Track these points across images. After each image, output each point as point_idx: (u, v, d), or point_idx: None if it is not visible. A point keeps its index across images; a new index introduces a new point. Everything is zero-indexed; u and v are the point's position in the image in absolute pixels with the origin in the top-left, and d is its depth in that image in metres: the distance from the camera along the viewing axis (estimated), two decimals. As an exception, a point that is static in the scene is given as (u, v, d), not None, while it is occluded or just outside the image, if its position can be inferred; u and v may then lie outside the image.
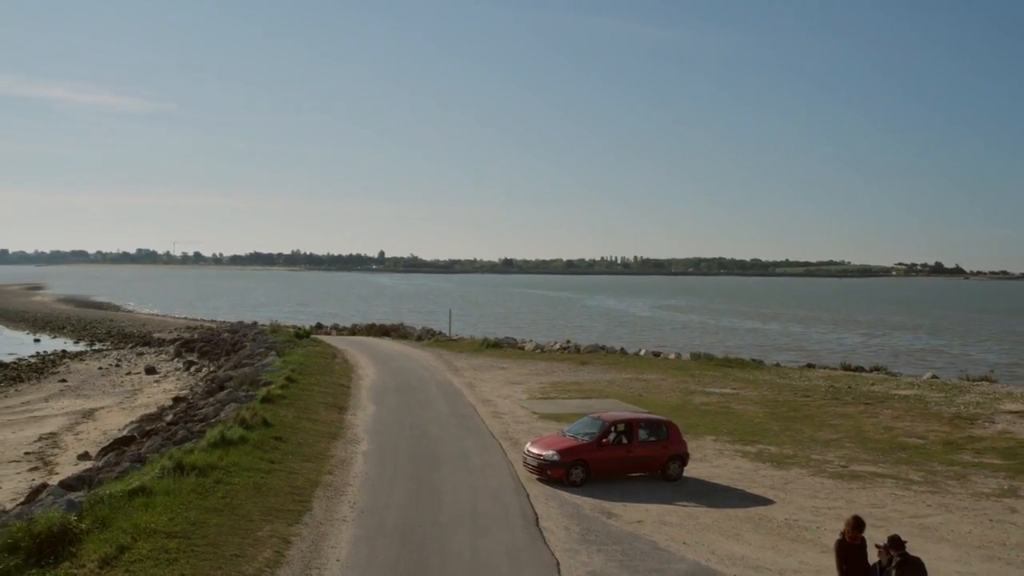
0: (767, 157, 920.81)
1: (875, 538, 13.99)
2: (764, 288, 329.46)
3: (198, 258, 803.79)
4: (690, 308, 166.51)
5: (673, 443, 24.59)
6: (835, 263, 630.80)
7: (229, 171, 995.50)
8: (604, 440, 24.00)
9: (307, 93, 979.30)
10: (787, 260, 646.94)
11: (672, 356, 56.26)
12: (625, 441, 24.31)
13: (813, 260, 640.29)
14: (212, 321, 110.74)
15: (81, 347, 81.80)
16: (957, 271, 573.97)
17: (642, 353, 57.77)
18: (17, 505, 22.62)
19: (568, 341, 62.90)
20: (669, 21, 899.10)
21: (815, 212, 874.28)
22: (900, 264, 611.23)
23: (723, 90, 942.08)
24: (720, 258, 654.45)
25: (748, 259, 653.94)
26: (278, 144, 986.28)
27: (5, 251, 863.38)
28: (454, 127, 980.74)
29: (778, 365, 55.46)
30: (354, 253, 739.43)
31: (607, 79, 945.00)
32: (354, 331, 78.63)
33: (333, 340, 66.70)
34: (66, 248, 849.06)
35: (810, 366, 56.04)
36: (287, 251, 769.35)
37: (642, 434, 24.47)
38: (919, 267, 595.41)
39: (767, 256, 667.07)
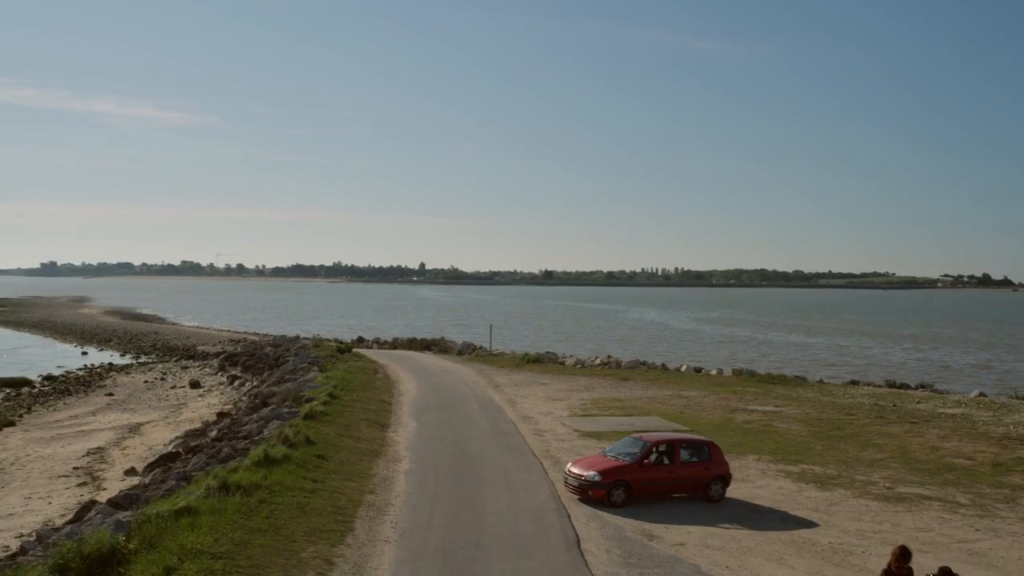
0: (809, 168, 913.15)
1: (923, 565, 13.83)
2: (806, 300, 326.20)
3: (241, 270, 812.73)
4: (731, 321, 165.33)
5: (715, 464, 24.43)
6: (879, 275, 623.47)
7: (271, 183, 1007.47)
8: (646, 460, 23.90)
9: (349, 108, 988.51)
10: (830, 271, 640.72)
11: (713, 372, 55.90)
12: (667, 462, 24.19)
13: (856, 272, 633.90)
14: (255, 334, 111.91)
15: (127, 360, 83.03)
16: (1005, 283, 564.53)
17: (683, 369, 57.45)
18: (66, 523, 23.03)
19: (609, 356, 62.75)
20: (711, 33, 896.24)
21: (858, 223, 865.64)
22: (946, 275, 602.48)
23: (765, 102, 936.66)
24: (762, 270, 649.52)
25: (790, 271, 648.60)
26: (320, 157, 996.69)
27: (53, 263, 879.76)
28: (495, 140, 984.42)
29: (821, 382, 54.91)
30: (395, 265, 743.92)
31: (646, 92, 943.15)
32: (395, 345, 79.02)
33: (374, 354, 67.10)
34: (112, 260, 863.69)
35: (854, 383, 55.44)
36: (328, 263, 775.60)
37: (684, 454, 24.34)
38: (966, 279, 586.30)
39: (809, 268, 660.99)
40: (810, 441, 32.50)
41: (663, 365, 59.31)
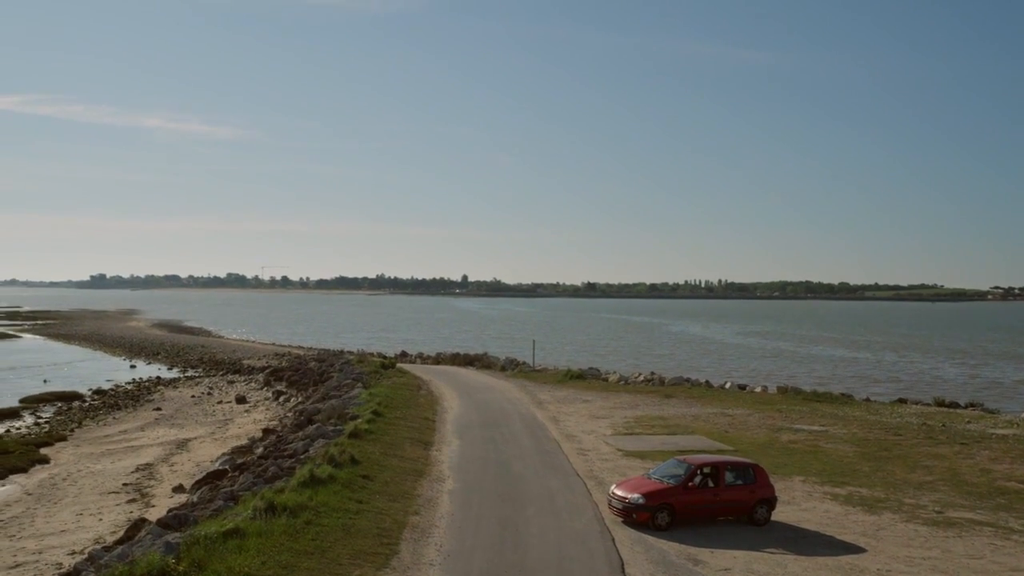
0: (854, 177, 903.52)
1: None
2: (852, 313, 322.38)
3: (285, 282, 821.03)
4: (776, 335, 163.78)
5: (760, 487, 24.23)
6: (927, 286, 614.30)
7: (316, 197, 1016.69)
8: (690, 483, 23.76)
9: (392, 121, 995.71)
10: (876, 283, 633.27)
11: (758, 389, 55.42)
12: (711, 484, 24.03)
13: (904, 283, 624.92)
14: (299, 347, 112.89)
15: (175, 374, 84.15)
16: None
17: (727, 386, 57.03)
18: (116, 542, 23.42)
19: (652, 373, 62.47)
20: (752, 44, 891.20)
21: (906, 233, 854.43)
22: (996, 288, 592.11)
23: (808, 112, 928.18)
24: (807, 281, 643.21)
25: (836, 282, 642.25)
26: (363, 170, 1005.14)
27: (103, 276, 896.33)
28: (536, 152, 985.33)
29: (868, 400, 54.25)
30: (438, 277, 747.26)
31: (690, 99, 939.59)
32: (438, 360, 79.32)
33: (418, 369, 67.42)
34: (160, 273, 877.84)
35: (901, 401, 54.67)
36: (372, 275, 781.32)
37: (729, 477, 24.17)
38: (1017, 291, 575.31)
39: (855, 279, 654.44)
40: (857, 462, 32.11)
41: (707, 382, 58.95)
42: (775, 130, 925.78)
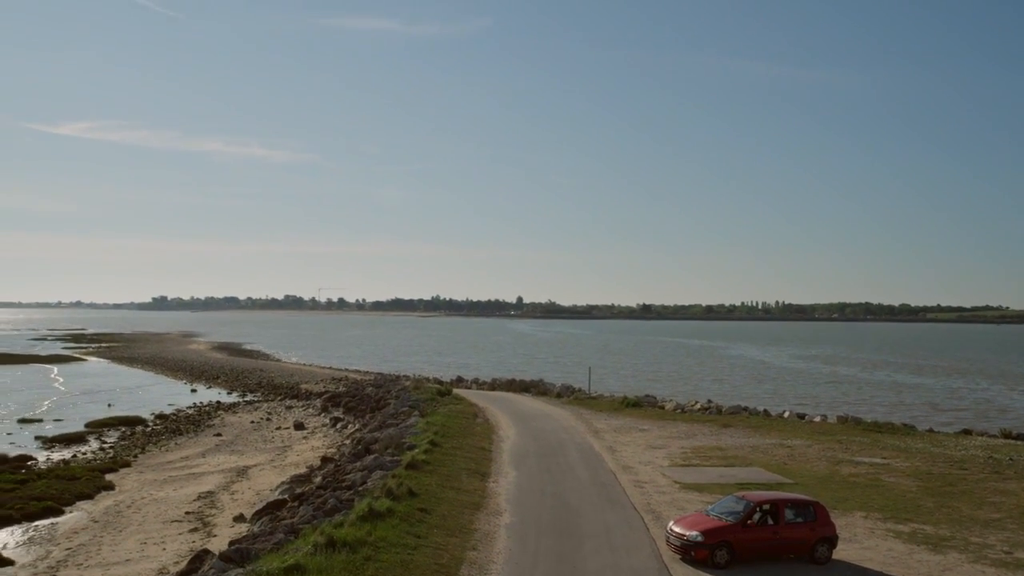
0: (916, 198, 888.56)
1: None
2: (914, 335, 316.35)
3: (342, 304, 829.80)
4: (835, 359, 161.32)
5: (821, 524, 23.92)
6: (992, 308, 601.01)
7: (371, 218, 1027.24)
8: (749, 521, 23.54)
9: (445, 143, 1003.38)
10: (939, 305, 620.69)
11: (817, 419, 54.64)
12: (771, 522, 23.78)
13: (967, 305, 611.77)
14: (356, 371, 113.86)
15: (234, 398, 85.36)
16: None
17: (786, 415, 56.31)
18: (179, 573, 23.84)
19: (709, 401, 61.93)
20: (811, 63, 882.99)
21: (969, 253, 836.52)
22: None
23: (871, 128, 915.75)
24: (867, 303, 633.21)
25: (896, 304, 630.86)
26: (418, 192, 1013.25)
27: (164, 297, 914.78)
28: (591, 174, 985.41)
29: (931, 431, 53.19)
30: (492, 299, 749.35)
31: (743, 122, 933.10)
32: (494, 386, 79.50)
33: (473, 395, 67.66)
34: (219, 294, 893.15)
35: (966, 432, 53.51)
36: (427, 297, 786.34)
37: (788, 515, 23.91)
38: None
39: (917, 301, 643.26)
40: (920, 497, 31.51)
41: (765, 411, 58.26)
42: (833, 149, 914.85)
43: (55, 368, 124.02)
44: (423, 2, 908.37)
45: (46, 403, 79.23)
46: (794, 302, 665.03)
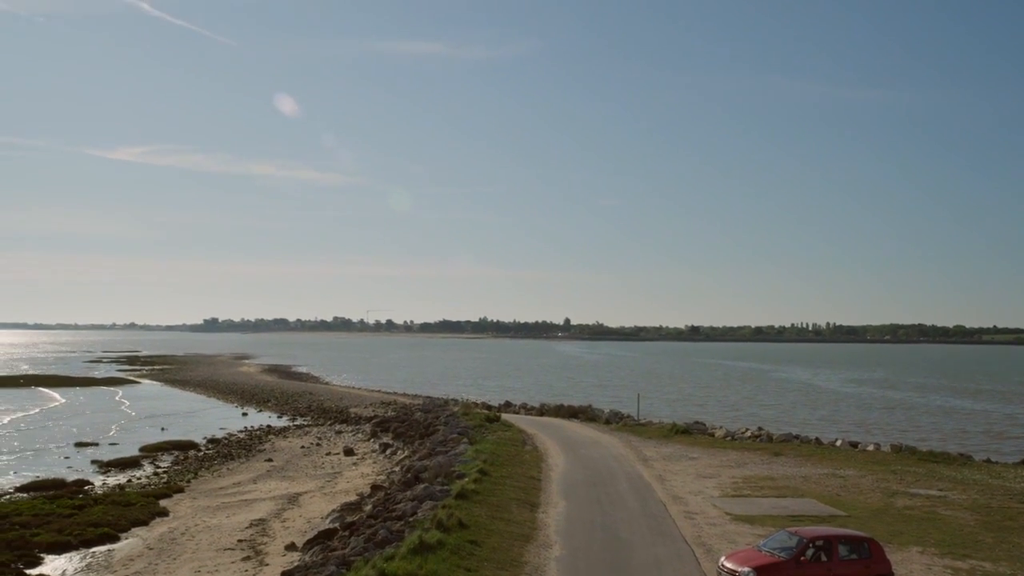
0: (970, 216, 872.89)
1: None
2: (970, 358, 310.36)
3: (390, 326, 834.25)
4: (888, 383, 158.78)
5: (876, 562, 23.62)
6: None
7: (419, 240, 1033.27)
8: (802, 557, 23.31)
9: (493, 164, 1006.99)
10: (995, 326, 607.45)
11: (870, 447, 53.84)
12: (824, 559, 23.52)
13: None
14: (404, 395, 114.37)
15: (284, 422, 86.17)
16: None
17: (838, 443, 55.59)
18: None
19: (760, 428, 61.34)
20: (865, 82, 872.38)
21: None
22: None
23: (922, 147, 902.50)
24: (920, 324, 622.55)
25: (951, 325, 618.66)
26: (466, 213, 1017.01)
27: (215, 319, 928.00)
28: (639, 195, 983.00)
29: (989, 461, 52.14)
30: (540, 320, 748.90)
31: (792, 143, 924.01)
32: (542, 411, 79.43)
33: (522, 421, 67.68)
34: (269, 316, 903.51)
35: (1026, 462, 52.39)
36: (474, 318, 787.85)
37: (842, 551, 23.64)
38: None
39: (972, 322, 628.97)
40: (979, 532, 30.90)
41: (816, 439, 57.54)
42: (885, 169, 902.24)
43: (120, 391, 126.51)
44: (470, 26, 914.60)
45: (113, 427, 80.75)
46: (845, 323, 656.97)
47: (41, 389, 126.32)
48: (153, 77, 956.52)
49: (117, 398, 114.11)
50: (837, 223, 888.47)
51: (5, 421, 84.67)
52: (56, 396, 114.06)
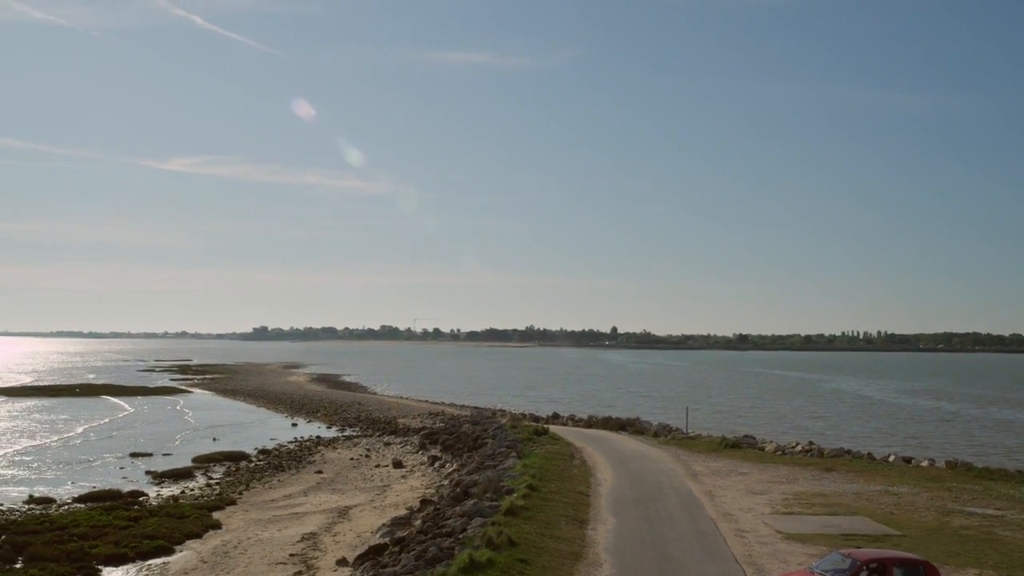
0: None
1: None
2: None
3: (437, 334, 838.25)
4: (941, 393, 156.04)
5: (932, 586, 23.30)
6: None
7: (465, 249, 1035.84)
8: (856, 581, 23.06)
9: (540, 173, 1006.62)
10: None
11: (924, 463, 52.99)
12: (879, 582, 23.25)
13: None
14: (452, 405, 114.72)
15: (333, 433, 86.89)
16: None
17: (891, 459, 54.79)
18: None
19: (811, 443, 60.66)
20: (914, 87, 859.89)
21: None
22: None
23: (977, 154, 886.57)
24: (974, 333, 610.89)
25: (1007, 334, 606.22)
26: (513, 222, 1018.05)
27: (264, 328, 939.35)
28: (686, 202, 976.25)
29: (1049, 478, 51.05)
30: (587, 329, 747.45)
31: (841, 147, 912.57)
32: (590, 423, 79.32)
33: (569, 433, 67.64)
34: (317, 325, 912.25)
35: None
36: (521, 327, 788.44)
37: (897, 574, 23.35)
38: None
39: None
40: (1039, 554, 30.32)
41: (869, 454, 56.74)
42: (938, 172, 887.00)
43: (180, 400, 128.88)
44: (514, 35, 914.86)
45: (178, 437, 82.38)
46: (897, 332, 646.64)
47: (108, 398, 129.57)
48: (204, 88, 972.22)
49: (178, 408, 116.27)
50: (889, 229, 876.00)
51: (79, 430, 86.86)
52: (124, 406, 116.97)
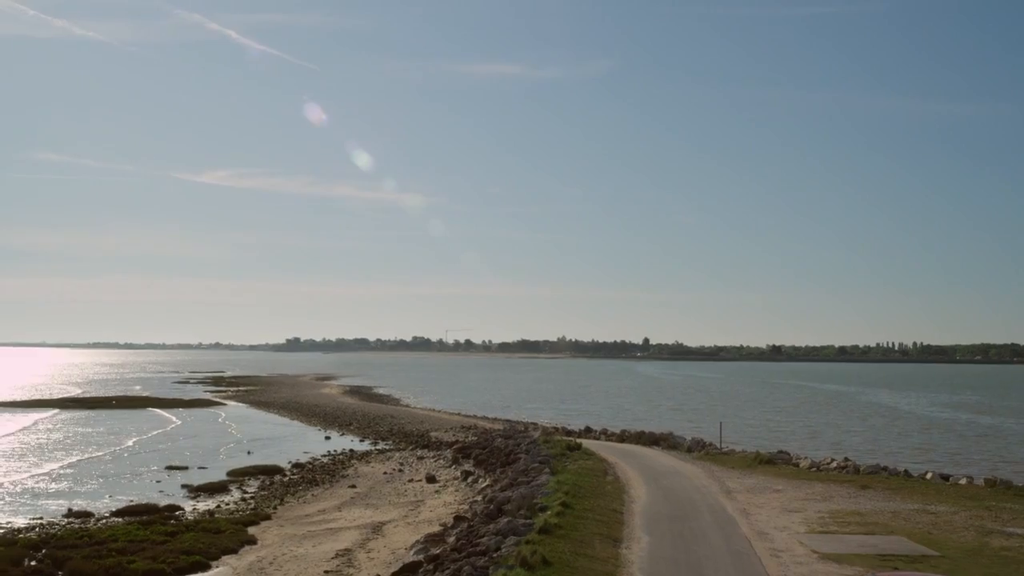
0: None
1: None
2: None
3: (468, 345, 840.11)
4: (980, 407, 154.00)
5: (972, 610, 23.05)
6: None
7: (497, 259, 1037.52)
8: (894, 605, 22.89)
9: (571, 184, 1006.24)
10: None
11: (963, 481, 52.30)
12: (917, 606, 23.06)
13: None
14: (483, 418, 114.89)
15: (366, 446, 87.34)
16: None
17: (928, 476, 54.12)
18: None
19: (846, 459, 60.09)
20: (954, 96, 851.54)
21: None
22: None
23: (1016, 161, 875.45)
24: (1013, 344, 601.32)
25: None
26: (544, 233, 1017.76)
27: (297, 339, 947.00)
28: (717, 212, 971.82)
29: (1093, 498, 50.20)
30: (618, 340, 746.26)
31: (877, 156, 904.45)
32: (623, 437, 79.12)
33: (602, 448, 67.55)
34: (349, 336, 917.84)
35: None
36: (553, 338, 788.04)
37: (936, 598, 23.15)
38: None
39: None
40: (1081, 577, 29.86)
41: (905, 471, 56.11)
42: (974, 181, 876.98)
43: (222, 413, 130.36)
44: (546, 46, 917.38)
45: (222, 450, 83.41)
46: (933, 343, 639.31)
47: (155, 410, 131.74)
48: (237, 101, 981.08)
49: (220, 420, 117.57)
50: (923, 238, 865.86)
51: (129, 443, 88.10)
52: (172, 418, 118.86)
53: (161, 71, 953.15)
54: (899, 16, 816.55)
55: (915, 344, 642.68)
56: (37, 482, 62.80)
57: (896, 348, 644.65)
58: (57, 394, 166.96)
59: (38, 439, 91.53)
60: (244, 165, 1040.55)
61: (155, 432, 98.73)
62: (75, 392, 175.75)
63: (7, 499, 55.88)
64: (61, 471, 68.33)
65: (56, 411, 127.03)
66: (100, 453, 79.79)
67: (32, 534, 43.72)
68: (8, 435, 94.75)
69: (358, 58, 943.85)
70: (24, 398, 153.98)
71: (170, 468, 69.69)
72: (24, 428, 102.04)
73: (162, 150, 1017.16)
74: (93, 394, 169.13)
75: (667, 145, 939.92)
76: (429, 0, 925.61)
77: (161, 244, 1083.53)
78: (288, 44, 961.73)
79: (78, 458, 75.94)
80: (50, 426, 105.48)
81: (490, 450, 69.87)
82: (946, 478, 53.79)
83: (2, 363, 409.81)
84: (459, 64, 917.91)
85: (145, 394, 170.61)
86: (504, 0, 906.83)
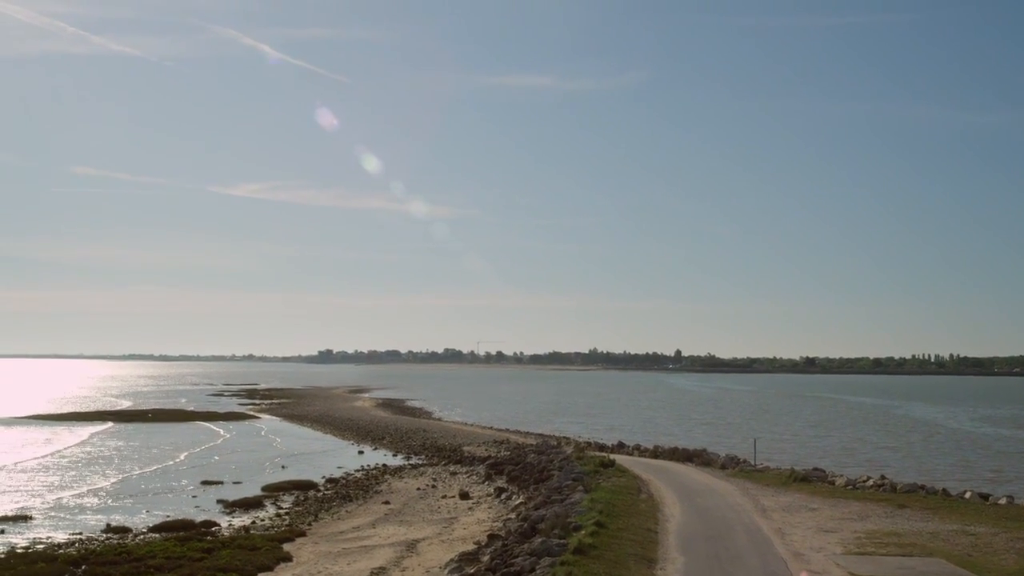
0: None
1: None
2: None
3: (500, 357, 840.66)
4: (1020, 421, 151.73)
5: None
6: None
7: (528, 271, 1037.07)
8: (934, 632, 22.66)
9: (600, 197, 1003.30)
10: None
11: (1003, 501, 51.61)
12: (957, 633, 22.82)
13: None
14: (516, 432, 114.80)
15: (399, 461, 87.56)
16: None
17: (967, 495, 53.45)
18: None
19: (883, 477, 59.49)
20: (983, 105, 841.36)
21: None
22: None
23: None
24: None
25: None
26: (575, 245, 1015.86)
27: (329, 351, 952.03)
28: (750, 223, 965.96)
29: None
30: (650, 352, 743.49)
31: (910, 165, 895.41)
32: (656, 453, 78.84)
33: (635, 465, 67.32)
34: (381, 348, 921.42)
35: None
36: (584, 350, 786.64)
37: (977, 625, 22.89)
38: None
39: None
40: (1125, 602, 29.40)
41: (944, 490, 55.44)
42: (1010, 188, 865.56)
43: (264, 427, 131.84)
44: (578, 58, 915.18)
45: (267, 464, 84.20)
46: (970, 355, 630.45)
47: (202, 423, 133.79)
48: (270, 115, 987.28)
49: (263, 434, 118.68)
50: (961, 247, 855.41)
51: (181, 457, 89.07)
52: (220, 431, 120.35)
53: (196, 86, 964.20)
54: (931, 26, 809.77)
55: (952, 356, 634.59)
56: (80, 497, 63.56)
57: (932, 360, 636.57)
58: (105, 406, 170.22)
59: (91, 452, 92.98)
60: (277, 178, 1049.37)
61: (206, 446, 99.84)
62: (124, 405, 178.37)
63: (51, 513, 56.64)
64: (108, 486, 69.05)
65: (110, 424, 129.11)
66: (153, 467, 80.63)
67: (72, 550, 44.25)
68: (67, 448, 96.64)
69: (389, 72, 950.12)
70: (77, 410, 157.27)
71: (205, 483, 70.26)
72: (81, 441, 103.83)
73: (196, 164, 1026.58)
74: (140, 407, 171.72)
75: (700, 156, 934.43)
76: (461, 12, 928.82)
77: (195, 257, 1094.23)
78: (320, 58, 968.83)
79: (129, 473, 76.78)
80: (105, 439, 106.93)
81: (523, 466, 69.87)
82: (985, 497, 53.13)
83: (45, 375, 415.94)
84: (491, 76, 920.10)
85: (191, 408, 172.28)
86: (536, 12, 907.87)
